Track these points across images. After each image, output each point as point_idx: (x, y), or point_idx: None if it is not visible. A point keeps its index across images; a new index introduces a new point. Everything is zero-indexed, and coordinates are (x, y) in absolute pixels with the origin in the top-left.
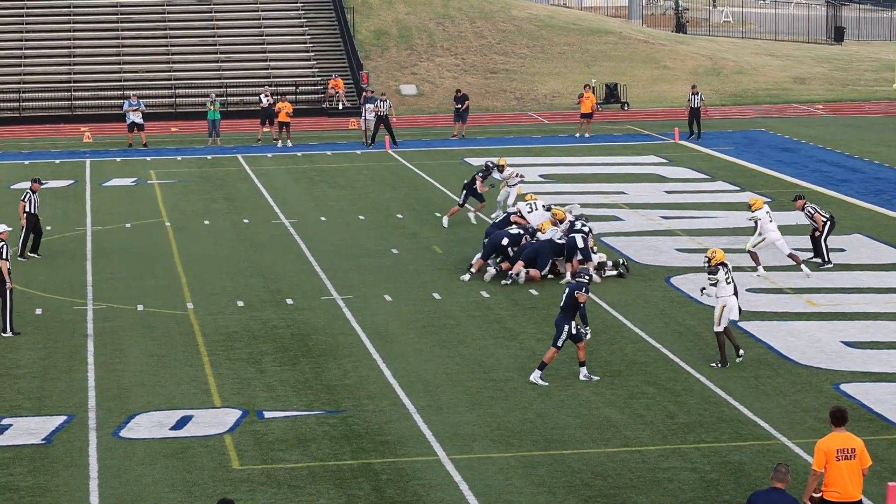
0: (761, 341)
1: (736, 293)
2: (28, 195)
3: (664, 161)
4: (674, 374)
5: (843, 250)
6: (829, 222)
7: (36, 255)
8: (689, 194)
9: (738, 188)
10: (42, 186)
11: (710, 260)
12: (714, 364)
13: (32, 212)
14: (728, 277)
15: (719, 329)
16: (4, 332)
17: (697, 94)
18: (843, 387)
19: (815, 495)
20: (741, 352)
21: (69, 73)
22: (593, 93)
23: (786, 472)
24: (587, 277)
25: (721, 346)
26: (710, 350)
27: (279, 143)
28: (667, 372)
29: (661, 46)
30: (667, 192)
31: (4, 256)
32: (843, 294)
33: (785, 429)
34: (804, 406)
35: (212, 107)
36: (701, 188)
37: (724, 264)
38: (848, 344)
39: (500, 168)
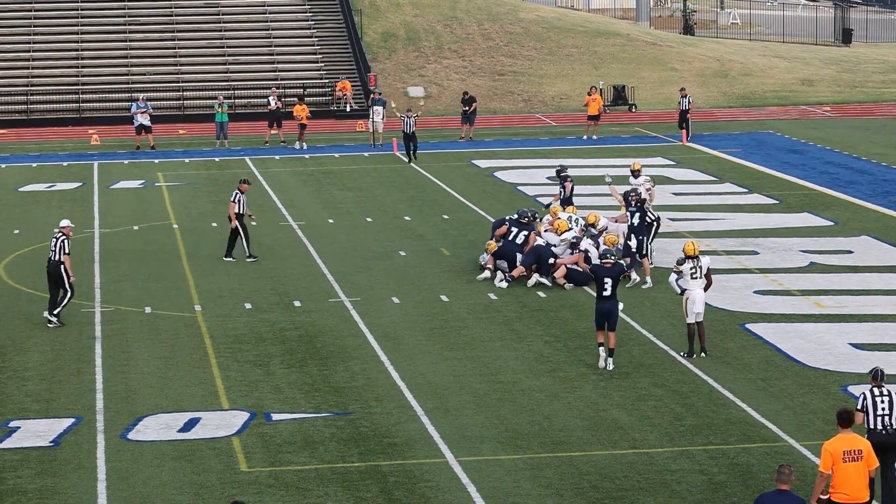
0: (769, 343)
1: (705, 288)
2: (237, 195)
3: (672, 163)
4: (681, 377)
5: (850, 252)
6: (655, 223)
7: (232, 259)
8: (697, 196)
9: (746, 190)
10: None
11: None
12: (682, 354)
13: (240, 213)
14: (695, 272)
15: (690, 321)
16: (50, 322)
17: (686, 96)
18: (851, 389)
19: (822, 497)
20: (704, 353)
21: (77, 76)
22: (601, 95)
23: (789, 472)
24: (611, 256)
25: (689, 338)
26: (717, 352)
27: (297, 145)
28: (674, 374)
29: (669, 48)
30: (674, 193)
31: (67, 251)
32: (851, 296)
33: (793, 431)
34: (812, 408)
35: (219, 109)
36: (708, 190)
37: (693, 258)
38: (856, 346)
39: (636, 174)
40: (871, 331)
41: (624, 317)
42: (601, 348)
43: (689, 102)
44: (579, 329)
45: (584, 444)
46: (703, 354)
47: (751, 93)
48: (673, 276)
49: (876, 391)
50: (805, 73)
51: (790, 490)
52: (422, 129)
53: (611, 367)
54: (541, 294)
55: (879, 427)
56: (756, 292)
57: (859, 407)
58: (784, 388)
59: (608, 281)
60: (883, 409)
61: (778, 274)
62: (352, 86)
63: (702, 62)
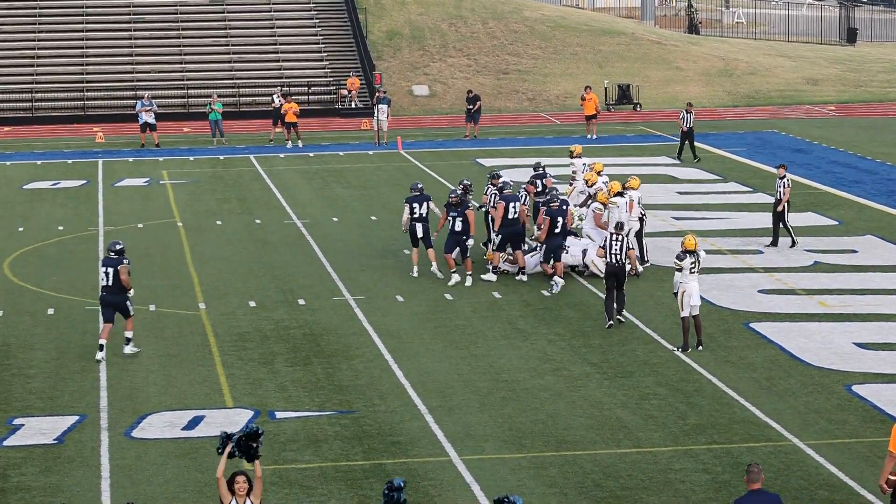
0: (773, 342)
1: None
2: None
3: (676, 162)
4: (685, 375)
5: (855, 252)
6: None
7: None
8: (701, 195)
9: (751, 189)
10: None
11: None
12: (675, 349)
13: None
14: (693, 268)
15: (684, 314)
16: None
17: (691, 112)
18: (855, 388)
19: (891, 476)
20: (700, 347)
21: (82, 74)
22: (605, 93)
23: (758, 471)
24: (557, 199)
25: (684, 331)
26: (721, 351)
27: (289, 144)
28: (678, 373)
29: (674, 47)
30: (679, 192)
31: (523, 202)
32: (856, 295)
33: (797, 430)
34: (816, 407)
35: (212, 108)
36: (713, 189)
37: (692, 252)
38: (860, 345)
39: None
40: (876, 330)
41: (628, 315)
42: (555, 279)
43: (692, 119)
44: (583, 328)
45: (588, 442)
46: (699, 348)
47: (755, 92)
48: (677, 275)
49: (615, 236)
50: (810, 73)
51: (762, 489)
52: (427, 127)
53: (557, 290)
54: (544, 292)
55: (613, 261)
56: (760, 291)
57: (602, 245)
58: (788, 387)
59: (559, 220)
60: (616, 248)
61: (782, 273)
62: (356, 83)
63: (706, 61)
